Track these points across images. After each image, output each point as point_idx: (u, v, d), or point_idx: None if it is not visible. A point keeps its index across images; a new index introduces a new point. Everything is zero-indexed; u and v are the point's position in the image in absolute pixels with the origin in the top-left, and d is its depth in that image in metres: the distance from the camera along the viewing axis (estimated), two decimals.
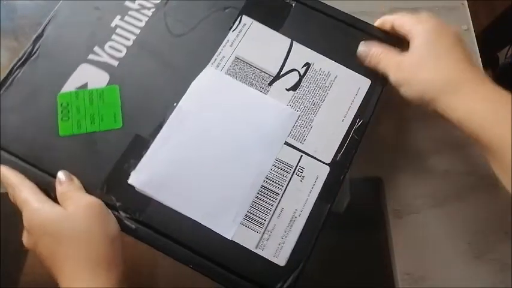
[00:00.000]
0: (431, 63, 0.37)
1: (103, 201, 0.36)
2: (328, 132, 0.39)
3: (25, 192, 0.34)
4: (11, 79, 0.40)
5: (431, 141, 0.47)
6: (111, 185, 0.37)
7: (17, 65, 0.40)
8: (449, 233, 0.44)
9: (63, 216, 0.33)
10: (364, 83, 0.41)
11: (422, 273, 0.43)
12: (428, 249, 0.44)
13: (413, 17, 0.40)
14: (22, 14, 0.40)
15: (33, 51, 0.41)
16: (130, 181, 0.37)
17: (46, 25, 0.42)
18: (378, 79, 0.41)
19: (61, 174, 0.36)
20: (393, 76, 0.39)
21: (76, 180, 0.36)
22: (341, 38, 0.43)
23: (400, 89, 0.39)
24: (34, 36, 0.41)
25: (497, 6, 1.00)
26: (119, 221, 0.36)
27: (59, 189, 0.36)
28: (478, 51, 0.51)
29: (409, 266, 0.43)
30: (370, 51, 0.41)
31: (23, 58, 0.41)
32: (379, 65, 0.40)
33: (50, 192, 0.36)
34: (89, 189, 0.37)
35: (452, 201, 0.45)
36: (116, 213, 0.36)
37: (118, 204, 0.37)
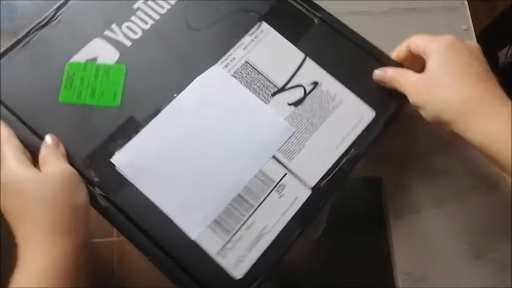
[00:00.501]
0: (448, 82, 0.35)
1: (82, 173, 0.37)
2: (319, 156, 0.38)
3: (6, 149, 0.35)
4: (27, 39, 0.41)
5: (432, 141, 0.46)
6: (94, 160, 0.38)
7: (36, 27, 0.41)
8: (449, 233, 0.44)
9: (34, 178, 0.34)
10: (368, 113, 0.40)
11: (422, 273, 0.43)
12: (428, 249, 0.43)
13: (428, 36, 0.38)
14: (22, 14, 0.41)
15: (55, 17, 0.42)
16: (113, 160, 0.37)
17: None
18: (385, 112, 0.40)
19: (48, 138, 0.37)
20: (411, 97, 0.38)
21: (62, 148, 0.37)
22: (356, 63, 0.42)
23: (419, 111, 0.37)
24: (58, 3, 0.43)
25: (497, 6, 0.99)
26: (92, 197, 0.36)
27: (43, 151, 0.36)
28: None
29: (409, 266, 0.43)
30: (387, 73, 0.40)
31: (44, 22, 0.42)
32: (396, 86, 0.39)
33: (34, 152, 0.37)
34: (72, 159, 0.37)
35: (452, 201, 0.45)
36: (91, 188, 0.36)
37: (96, 180, 0.37)
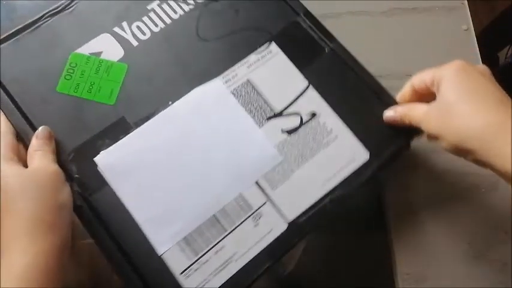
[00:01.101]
0: (465, 108, 0.33)
1: (65, 167, 0.37)
2: (303, 190, 0.37)
3: None
4: (38, 24, 0.41)
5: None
6: (78, 156, 0.37)
7: (49, 14, 0.42)
8: (449, 233, 0.43)
9: (17, 174, 0.33)
10: (362, 154, 0.38)
11: (422, 273, 0.42)
12: (428, 249, 0.43)
13: (432, 68, 0.36)
14: (22, 14, 0.41)
15: (69, 6, 0.42)
16: (96, 159, 0.37)
17: None
18: (380, 156, 0.38)
19: (42, 130, 0.37)
20: (426, 128, 0.35)
21: (53, 143, 0.37)
22: (359, 101, 0.40)
23: (437, 142, 0.35)
24: None
25: (497, 6, 0.99)
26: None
27: (33, 142, 0.36)
28: (478, 51, 0.50)
29: (409, 266, 0.42)
30: (397, 112, 0.38)
31: (57, 9, 0.42)
32: (408, 121, 0.37)
33: (25, 142, 0.37)
34: (58, 150, 0.37)
35: (452, 201, 0.44)
36: (70, 183, 0.36)
37: (76, 176, 0.37)
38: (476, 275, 0.42)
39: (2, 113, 0.37)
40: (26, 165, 0.35)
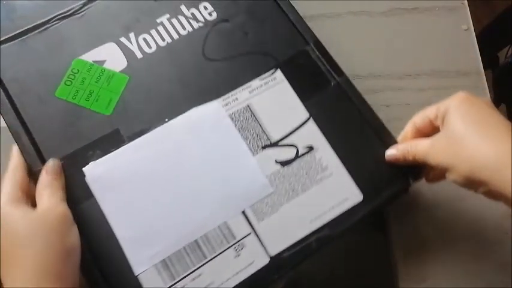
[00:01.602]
0: (475, 137, 0.32)
1: None
2: (290, 226, 0.36)
3: (6, 181, 0.34)
4: (46, 26, 0.41)
5: None
6: (68, 163, 0.37)
7: (58, 17, 0.42)
8: (449, 233, 0.43)
9: (24, 219, 0.32)
10: (355, 196, 0.37)
11: (422, 273, 0.42)
12: (428, 249, 0.42)
13: (434, 105, 0.35)
14: (22, 14, 0.41)
15: (80, 11, 0.42)
16: (85, 169, 0.37)
17: None
18: (373, 199, 0.37)
19: (51, 164, 0.35)
20: (434, 160, 0.34)
21: (62, 178, 0.36)
22: (359, 140, 0.39)
23: (446, 176, 0.34)
24: None
25: (497, 6, 0.99)
26: None
27: (43, 178, 0.35)
28: (478, 51, 0.50)
29: (409, 266, 0.42)
30: (398, 150, 0.37)
31: (67, 13, 0.42)
32: (412, 157, 0.36)
33: (32, 168, 0.36)
34: (48, 155, 0.37)
35: (452, 201, 0.43)
36: None
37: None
38: (476, 275, 0.42)
39: (14, 147, 0.37)
40: (34, 203, 0.34)
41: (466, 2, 0.52)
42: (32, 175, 0.36)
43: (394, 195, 0.38)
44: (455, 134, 0.33)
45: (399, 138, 0.39)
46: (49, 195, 0.34)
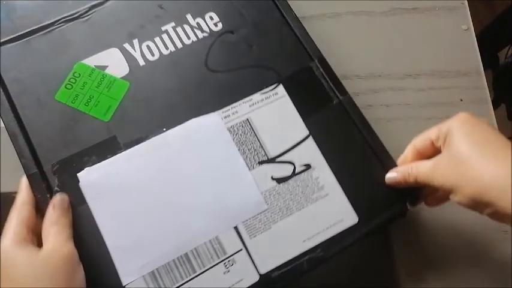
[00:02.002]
0: (480, 157, 0.31)
1: (46, 177, 0.36)
2: (282, 244, 0.36)
3: (12, 219, 0.33)
4: (50, 28, 0.41)
5: None
6: (62, 168, 0.37)
7: (64, 20, 0.42)
8: (449, 233, 0.42)
9: (31, 261, 0.31)
10: (351, 218, 0.37)
11: (422, 274, 0.42)
12: (429, 249, 0.42)
13: (434, 126, 0.35)
14: (22, 14, 0.41)
15: (86, 14, 0.42)
16: (79, 174, 0.37)
17: None
18: (369, 223, 0.37)
19: (59, 200, 0.34)
20: (437, 181, 0.33)
21: (70, 214, 0.35)
22: (358, 160, 0.38)
23: (451, 197, 0.33)
24: (95, 2, 0.43)
25: (497, 6, 1.00)
26: (46, 206, 0.35)
27: (49, 214, 0.34)
28: (478, 51, 0.50)
29: (409, 266, 0.42)
30: (398, 172, 0.36)
31: (73, 16, 0.42)
32: (414, 179, 0.35)
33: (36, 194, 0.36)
34: (44, 159, 0.37)
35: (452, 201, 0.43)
36: (48, 196, 0.36)
37: (55, 188, 0.36)
38: (476, 275, 0.41)
39: (23, 180, 0.36)
40: (40, 240, 0.33)
41: (466, 2, 0.52)
42: (40, 210, 0.35)
43: (390, 219, 0.37)
44: (460, 154, 0.32)
45: (399, 161, 0.38)
46: (55, 234, 0.33)
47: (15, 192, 0.40)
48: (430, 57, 0.50)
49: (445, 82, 0.49)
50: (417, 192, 0.37)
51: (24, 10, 0.41)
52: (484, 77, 0.50)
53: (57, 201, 0.34)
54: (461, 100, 0.48)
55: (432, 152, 0.36)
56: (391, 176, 0.37)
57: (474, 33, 0.51)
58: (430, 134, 0.35)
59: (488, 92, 0.49)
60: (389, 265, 0.42)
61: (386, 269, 0.42)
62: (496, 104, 0.90)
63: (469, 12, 0.52)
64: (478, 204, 0.31)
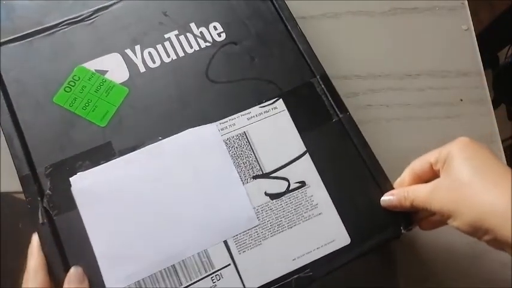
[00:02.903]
0: (480, 183, 0.31)
1: (39, 180, 0.36)
2: (271, 262, 0.35)
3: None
4: (53, 30, 0.41)
5: (432, 141, 0.42)
6: (55, 171, 0.37)
7: (68, 22, 0.42)
8: (449, 233, 0.41)
9: None
10: (343, 239, 0.36)
11: (422, 274, 0.42)
12: (429, 249, 0.42)
13: (433, 150, 0.34)
14: (22, 14, 0.41)
15: (90, 18, 0.42)
16: (71, 179, 0.36)
17: (116, 2, 0.43)
18: (362, 245, 0.36)
19: (74, 273, 0.33)
20: (436, 206, 0.32)
21: (86, 284, 0.33)
22: (354, 180, 0.38)
23: (449, 222, 0.32)
24: (100, 6, 0.42)
25: (497, 6, 0.99)
26: (36, 208, 0.35)
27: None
28: (478, 51, 0.50)
29: (409, 267, 0.42)
30: (394, 195, 0.36)
31: (77, 19, 0.42)
32: (410, 203, 0.34)
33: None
34: (36, 161, 0.37)
35: None
36: (39, 199, 0.35)
37: (47, 192, 0.36)
38: (476, 275, 0.41)
39: (35, 242, 0.34)
40: None
41: (466, 2, 0.52)
42: (52, 274, 0.34)
43: (383, 242, 0.37)
44: (460, 179, 0.31)
45: (395, 184, 0.37)
46: None
47: (15, 192, 0.40)
48: (430, 57, 0.50)
49: (445, 82, 0.48)
50: (411, 216, 0.36)
51: (24, 10, 0.41)
52: (484, 77, 0.49)
53: (72, 275, 0.33)
54: (461, 100, 0.48)
55: (430, 175, 0.35)
56: (386, 199, 0.37)
57: (474, 33, 0.51)
58: (429, 157, 0.35)
59: (488, 92, 0.49)
60: (390, 265, 0.42)
61: (387, 268, 0.42)
62: (496, 104, 0.90)
63: (469, 12, 0.52)
64: (477, 231, 0.31)
